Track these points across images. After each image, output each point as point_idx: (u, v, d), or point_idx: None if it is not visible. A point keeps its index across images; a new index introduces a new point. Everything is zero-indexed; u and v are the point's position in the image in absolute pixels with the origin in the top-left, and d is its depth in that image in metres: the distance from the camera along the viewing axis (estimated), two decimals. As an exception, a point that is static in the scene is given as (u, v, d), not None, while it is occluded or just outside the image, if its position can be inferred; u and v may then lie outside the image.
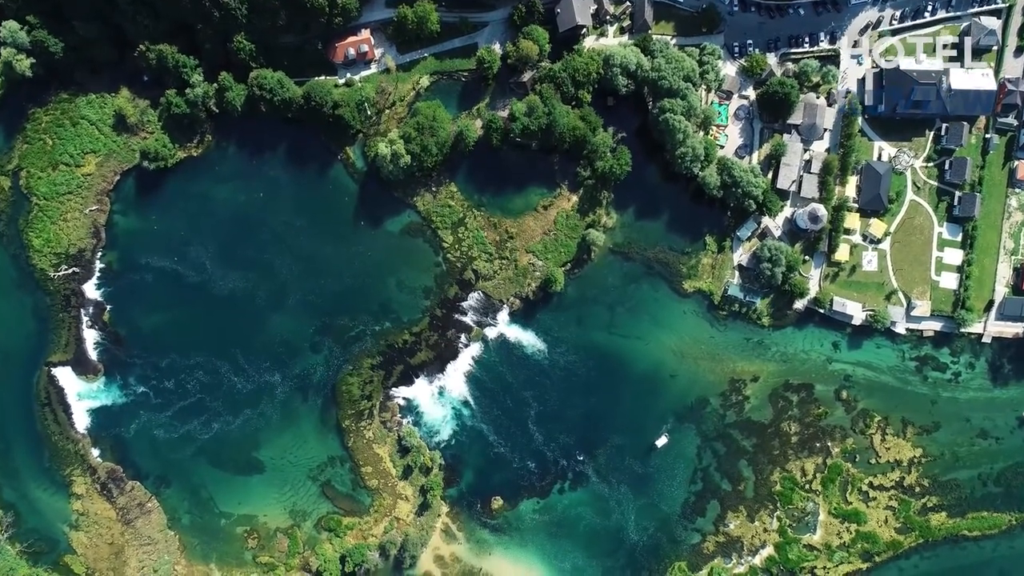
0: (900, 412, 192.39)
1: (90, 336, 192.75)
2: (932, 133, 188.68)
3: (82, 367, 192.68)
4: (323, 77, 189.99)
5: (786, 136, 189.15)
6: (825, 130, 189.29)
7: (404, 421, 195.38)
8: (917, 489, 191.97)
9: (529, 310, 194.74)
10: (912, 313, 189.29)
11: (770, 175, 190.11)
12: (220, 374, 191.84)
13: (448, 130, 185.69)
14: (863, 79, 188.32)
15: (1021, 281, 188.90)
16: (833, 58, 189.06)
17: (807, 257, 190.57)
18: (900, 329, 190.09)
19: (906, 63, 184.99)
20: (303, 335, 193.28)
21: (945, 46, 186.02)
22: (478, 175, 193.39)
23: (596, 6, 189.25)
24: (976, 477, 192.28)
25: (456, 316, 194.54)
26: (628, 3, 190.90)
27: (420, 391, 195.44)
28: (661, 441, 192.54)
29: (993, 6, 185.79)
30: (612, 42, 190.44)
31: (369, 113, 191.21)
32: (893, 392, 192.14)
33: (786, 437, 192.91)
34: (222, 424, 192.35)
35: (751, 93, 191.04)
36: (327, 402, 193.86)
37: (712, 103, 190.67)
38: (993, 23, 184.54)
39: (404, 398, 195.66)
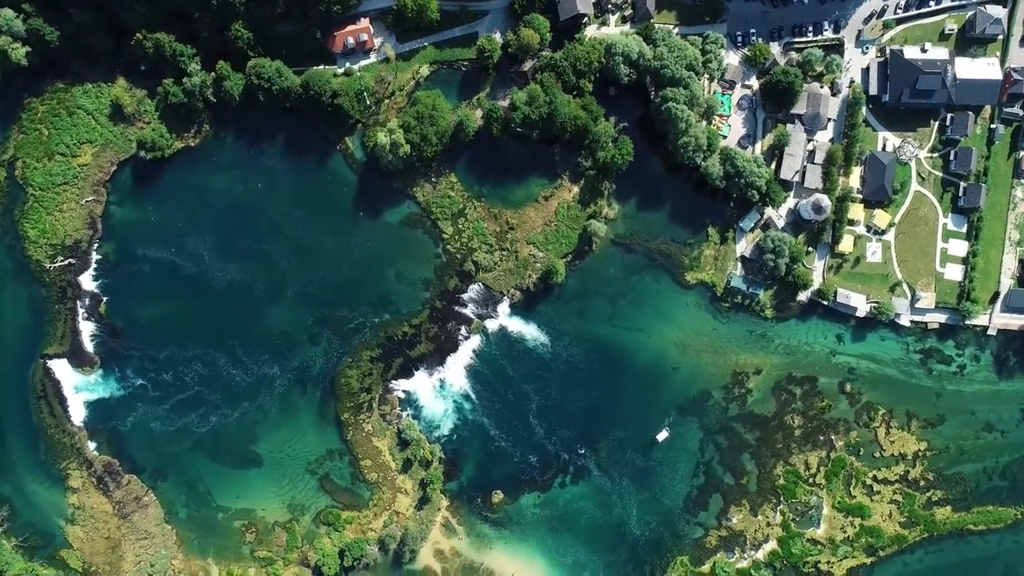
0: (904, 405, 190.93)
1: (86, 328, 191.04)
2: (937, 123, 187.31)
3: (78, 359, 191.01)
4: (322, 66, 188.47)
5: (789, 126, 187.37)
6: (829, 120, 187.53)
7: (404, 414, 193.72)
8: (922, 483, 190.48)
9: (530, 302, 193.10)
10: (917, 305, 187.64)
11: (773, 165, 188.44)
12: (218, 366, 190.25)
13: (448, 120, 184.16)
14: (867, 68, 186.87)
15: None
16: (837, 47, 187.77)
17: (811, 248, 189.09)
18: (904, 321, 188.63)
19: (911, 52, 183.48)
20: (302, 327, 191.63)
21: (948, 36, 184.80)
22: (478, 165, 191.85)
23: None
24: (981, 471, 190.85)
25: (456, 308, 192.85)
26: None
27: (420, 384, 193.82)
28: (663, 435, 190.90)
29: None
30: (614, 31, 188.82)
31: (368, 103, 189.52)
32: (897, 385, 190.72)
33: (789, 430, 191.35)
34: (220, 417, 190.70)
35: (754, 83, 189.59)
36: (326, 395, 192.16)
37: (715, 93, 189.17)
38: (999, 12, 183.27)
39: (404, 391, 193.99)
